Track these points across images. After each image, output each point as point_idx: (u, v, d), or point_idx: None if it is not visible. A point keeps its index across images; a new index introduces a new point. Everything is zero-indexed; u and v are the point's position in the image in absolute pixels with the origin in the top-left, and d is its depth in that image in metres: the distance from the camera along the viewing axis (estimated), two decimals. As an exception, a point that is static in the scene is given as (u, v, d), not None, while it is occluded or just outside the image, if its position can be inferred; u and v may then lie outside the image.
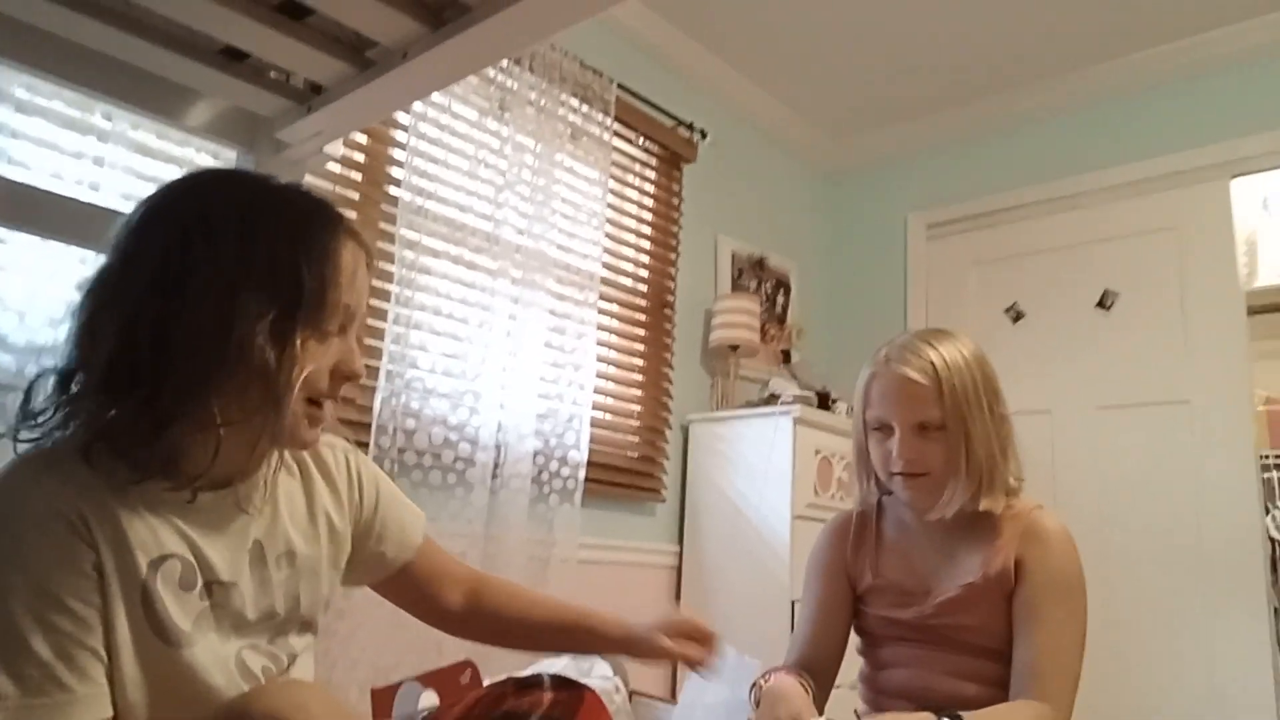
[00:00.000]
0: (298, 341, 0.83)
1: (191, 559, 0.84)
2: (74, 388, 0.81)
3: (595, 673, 1.64)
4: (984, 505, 1.33)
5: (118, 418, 0.80)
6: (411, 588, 1.13)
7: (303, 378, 0.83)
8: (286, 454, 0.97)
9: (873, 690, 1.46)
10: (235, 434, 0.82)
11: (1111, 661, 2.80)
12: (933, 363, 1.33)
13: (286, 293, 0.82)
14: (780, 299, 3.62)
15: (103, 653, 0.77)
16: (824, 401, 3.07)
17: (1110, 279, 3.19)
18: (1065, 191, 3.34)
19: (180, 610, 0.82)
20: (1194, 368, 2.95)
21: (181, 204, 0.85)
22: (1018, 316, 3.38)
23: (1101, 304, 3.20)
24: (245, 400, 0.81)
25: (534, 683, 0.96)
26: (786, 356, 3.51)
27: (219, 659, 0.85)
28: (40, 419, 0.81)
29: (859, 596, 1.47)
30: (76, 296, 0.83)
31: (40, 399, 0.81)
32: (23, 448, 0.81)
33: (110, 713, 0.77)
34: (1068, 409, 3.17)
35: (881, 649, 1.45)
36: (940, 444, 1.33)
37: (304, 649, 0.97)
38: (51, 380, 0.81)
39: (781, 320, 3.61)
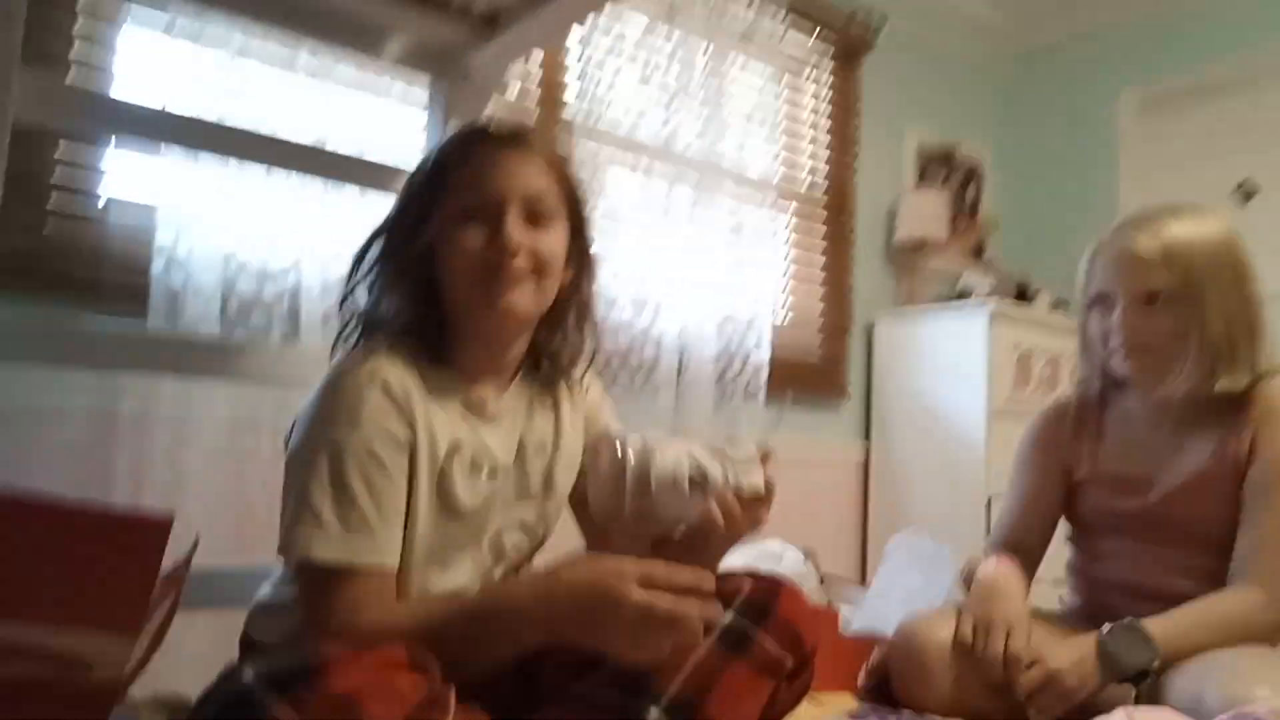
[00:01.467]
0: (433, 231, 0.98)
1: (477, 448, 1.00)
2: (369, 306, 1.02)
3: (788, 558, 1.70)
4: (1221, 385, 1.24)
5: (408, 322, 0.99)
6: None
7: (459, 250, 0.97)
8: (538, 383, 1.10)
9: (1084, 581, 1.42)
10: (461, 311, 1.00)
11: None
12: (1165, 234, 1.25)
13: (415, 215, 0.99)
14: (972, 190, 3.43)
15: (403, 512, 0.93)
16: (1023, 294, 2.92)
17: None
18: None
19: (469, 491, 0.99)
20: None
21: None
22: (1249, 194, 3.04)
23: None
24: (452, 284, 0.99)
25: (729, 575, 1.01)
26: (979, 251, 3.34)
27: (481, 534, 1.02)
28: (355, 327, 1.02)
29: (1075, 485, 1.40)
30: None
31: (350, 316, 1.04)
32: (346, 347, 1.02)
33: (397, 565, 0.93)
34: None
35: (1097, 540, 1.39)
36: (1168, 316, 1.24)
37: (545, 533, 1.11)
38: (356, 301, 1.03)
39: (973, 212, 3.42)
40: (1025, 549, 1.39)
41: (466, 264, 0.97)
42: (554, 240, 1.02)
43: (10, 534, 0.74)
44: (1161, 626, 1.16)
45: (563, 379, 1.12)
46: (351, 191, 1.81)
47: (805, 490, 2.79)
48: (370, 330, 1.02)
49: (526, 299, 0.99)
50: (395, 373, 0.94)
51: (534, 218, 1.00)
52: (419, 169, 1.04)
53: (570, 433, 1.12)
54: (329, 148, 1.69)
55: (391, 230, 1.02)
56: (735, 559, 1.09)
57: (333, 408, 0.92)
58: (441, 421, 0.97)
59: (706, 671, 0.89)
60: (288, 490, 0.92)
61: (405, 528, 0.94)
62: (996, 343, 2.69)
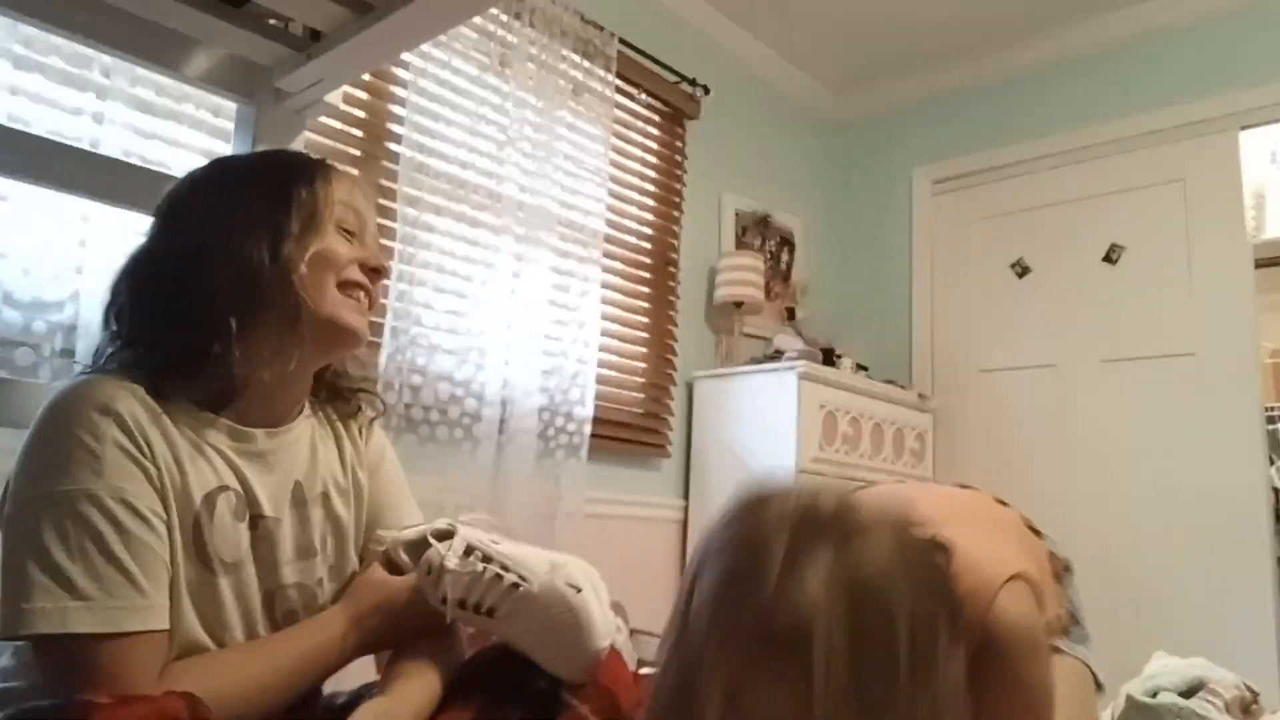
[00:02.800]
0: (292, 242, 0.89)
1: (242, 492, 0.89)
2: (124, 335, 0.89)
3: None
4: None
5: (169, 355, 0.87)
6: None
7: (327, 265, 0.91)
8: (321, 415, 1.02)
9: None
10: (274, 344, 0.89)
11: (1113, 616, 2.82)
12: None
13: (273, 212, 0.90)
14: (785, 256, 3.61)
15: (168, 565, 0.81)
16: (829, 357, 3.07)
17: (1116, 233, 3.18)
18: (1071, 145, 3.31)
19: (226, 541, 0.86)
20: (1200, 321, 2.94)
21: (191, 176, 0.97)
22: (1024, 271, 3.37)
23: (1108, 258, 3.18)
24: (274, 310, 0.88)
25: None
26: (791, 314, 3.50)
27: (251, 594, 0.89)
28: (111, 350, 0.89)
29: None
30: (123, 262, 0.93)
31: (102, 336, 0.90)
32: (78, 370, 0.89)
33: (168, 626, 0.80)
34: (1073, 363, 3.17)
35: None
36: None
37: (335, 595, 0.99)
38: (105, 328, 0.91)
39: (786, 277, 3.60)
40: None
41: (330, 284, 0.92)
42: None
43: None
44: None
45: (351, 418, 1.05)
46: (142, 219, 1.67)
47: (624, 547, 2.77)
48: (110, 359, 0.88)
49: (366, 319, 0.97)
50: (128, 403, 0.81)
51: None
52: (241, 184, 0.94)
53: (353, 480, 1.02)
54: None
55: (209, 250, 0.88)
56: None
57: (64, 451, 0.78)
58: (193, 461, 0.85)
59: None
60: (13, 558, 0.76)
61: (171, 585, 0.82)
62: (805, 402, 2.81)
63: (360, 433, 1.06)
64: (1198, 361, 2.93)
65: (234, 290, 0.86)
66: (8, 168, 1.24)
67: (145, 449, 0.81)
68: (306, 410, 0.99)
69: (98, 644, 0.75)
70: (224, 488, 0.87)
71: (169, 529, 0.82)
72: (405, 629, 0.95)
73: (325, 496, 0.97)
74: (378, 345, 2.14)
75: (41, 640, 0.76)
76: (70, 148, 1.49)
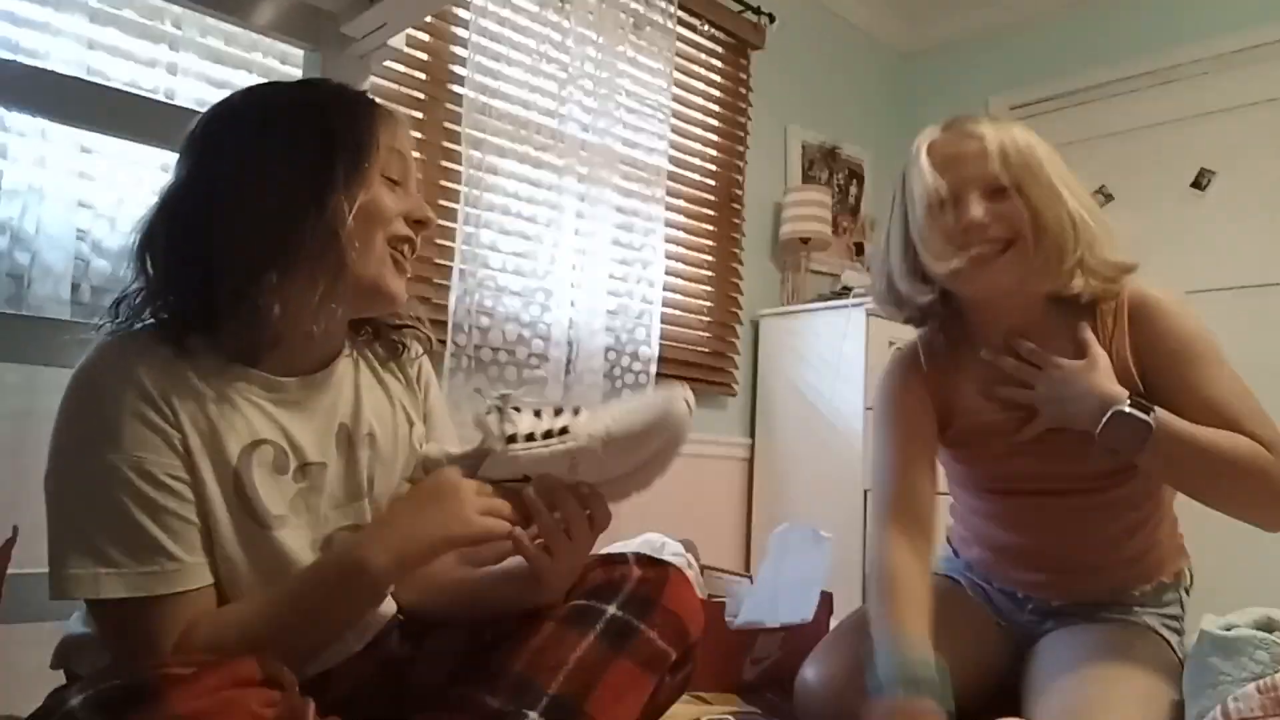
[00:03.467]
0: (339, 193, 0.84)
1: (284, 443, 0.87)
2: (154, 281, 0.84)
3: (668, 550, 1.69)
4: (1075, 285, 1.13)
5: (203, 305, 0.82)
6: None
7: (375, 219, 0.87)
8: (366, 354, 1.00)
9: (974, 536, 1.34)
10: (314, 299, 0.84)
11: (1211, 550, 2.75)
12: (984, 126, 1.18)
13: (318, 154, 0.84)
14: (854, 189, 3.53)
15: (198, 523, 0.81)
16: (898, 293, 3.01)
17: (1206, 158, 3.02)
18: (1156, 65, 3.13)
19: (274, 493, 0.85)
20: (1295, 249, 2.80)
21: (226, 109, 0.90)
22: (1106, 199, 3.23)
23: (1196, 184, 3.03)
24: (317, 263, 0.83)
25: (619, 559, 0.98)
26: (860, 249, 3.44)
27: (310, 541, 0.88)
28: (130, 307, 0.85)
29: (950, 433, 1.27)
30: (155, 200, 0.87)
31: (130, 291, 0.86)
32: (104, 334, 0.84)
33: (211, 580, 0.82)
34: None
35: (984, 491, 1.30)
36: (1023, 208, 1.12)
37: None
38: (137, 274, 0.85)
39: (855, 212, 3.52)
40: (918, 519, 1.20)
41: (378, 240, 0.87)
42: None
43: None
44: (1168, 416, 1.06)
45: (396, 355, 1.03)
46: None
47: (691, 485, 2.80)
48: (138, 316, 0.84)
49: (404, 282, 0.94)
50: (150, 368, 0.80)
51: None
52: (283, 119, 0.87)
53: (404, 417, 1.01)
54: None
55: (248, 193, 0.83)
56: (618, 548, 1.07)
57: (86, 422, 0.79)
58: (228, 417, 0.83)
59: (588, 668, 0.86)
60: (52, 522, 0.78)
61: (211, 542, 0.82)
62: (873, 339, 2.77)
63: (409, 370, 1.05)
64: (1291, 292, 2.79)
65: (273, 240, 0.82)
66: (91, 121, 1.28)
67: (168, 414, 0.80)
68: (347, 349, 0.97)
69: (135, 608, 0.76)
70: (260, 441, 0.85)
71: (201, 489, 0.81)
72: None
73: (372, 437, 0.95)
74: (446, 288, 2.17)
75: (89, 602, 0.79)
76: (147, 99, 1.53)
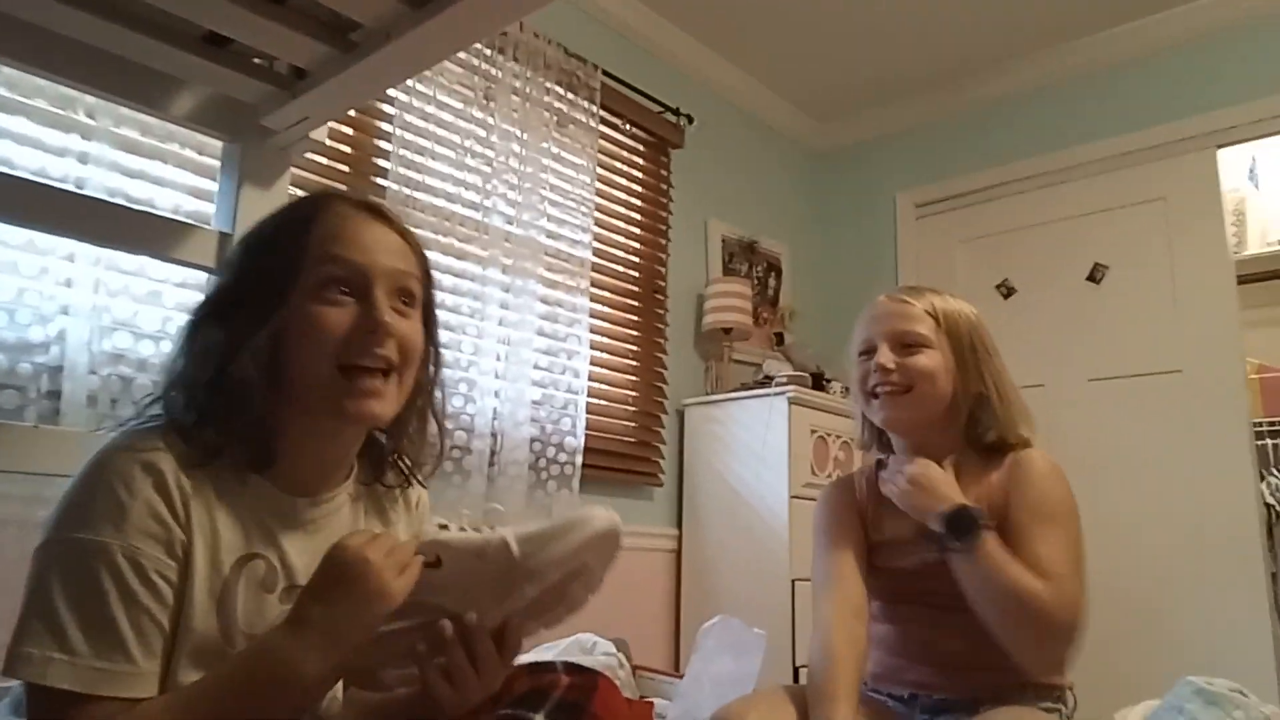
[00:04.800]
0: (278, 309, 0.84)
1: (276, 561, 0.86)
2: (176, 391, 0.86)
3: (599, 650, 1.64)
4: (988, 437, 1.34)
5: (221, 414, 0.84)
6: None
7: (306, 339, 0.85)
8: (368, 485, 0.99)
9: (879, 651, 1.42)
10: (286, 416, 0.87)
11: (1109, 632, 2.81)
12: (926, 295, 1.40)
13: (260, 283, 0.86)
14: (772, 282, 3.62)
15: (166, 633, 0.79)
16: (818, 381, 3.07)
17: (1100, 252, 3.21)
18: (1052, 166, 3.35)
19: (255, 612, 0.84)
20: (1185, 337, 2.97)
21: (270, 223, 0.93)
22: (1009, 292, 3.39)
23: (1092, 277, 3.21)
24: (274, 383, 0.86)
25: (547, 667, 0.96)
26: (780, 339, 3.51)
27: None
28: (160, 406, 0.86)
29: (869, 551, 1.42)
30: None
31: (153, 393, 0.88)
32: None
33: (155, 694, 0.78)
34: (1061, 383, 3.18)
35: (888, 606, 1.41)
36: (926, 361, 1.34)
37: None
38: (165, 377, 0.88)
39: (774, 303, 3.61)
40: (856, 609, 1.34)
41: (326, 348, 0.84)
42: (417, 330, 0.92)
43: None
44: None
45: (401, 487, 1.02)
46: (128, 258, 1.67)
47: (620, 578, 2.72)
48: (162, 413, 0.86)
49: (388, 400, 0.88)
50: (172, 464, 0.80)
51: (401, 301, 0.90)
52: (261, 231, 0.91)
53: None
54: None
55: (229, 300, 0.87)
56: (547, 654, 1.04)
57: (93, 500, 0.77)
58: (230, 526, 0.83)
59: None
60: (29, 590, 0.76)
61: (174, 648, 0.79)
62: (796, 427, 2.81)
63: (410, 501, 1.05)
64: (1185, 378, 2.94)
65: (246, 357, 0.83)
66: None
67: (177, 512, 0.79)
68: (353, 476, 0.97)
69: (73, 702, 0.73)
70: (254, 555, 0.85)
71: (188, 594, 0.80)
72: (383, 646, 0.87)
73: None
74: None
75: (28, 685, 0.75)
76: (55, 188, 1.48)
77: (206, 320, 0.87)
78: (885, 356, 1.35)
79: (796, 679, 2.47)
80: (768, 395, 2.89)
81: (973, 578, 1.22)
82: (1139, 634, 2.82)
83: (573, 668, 0.96)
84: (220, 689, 0.77)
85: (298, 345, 0.85)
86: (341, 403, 0.85)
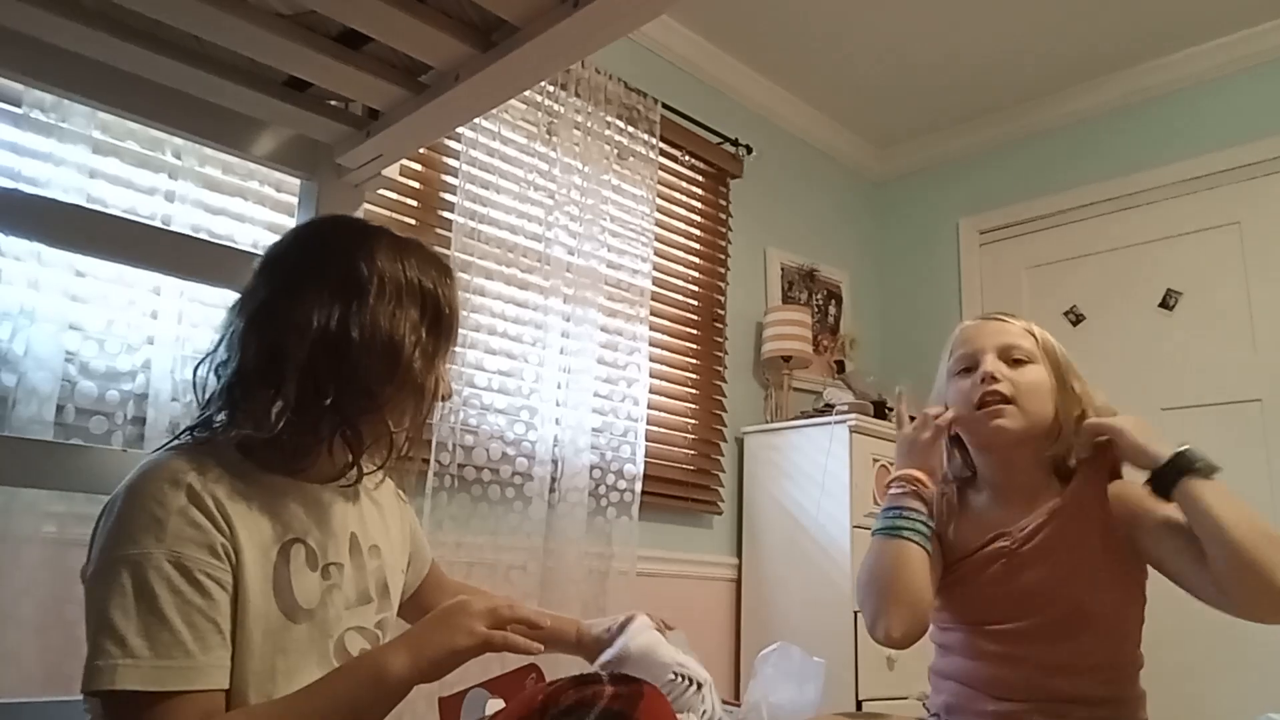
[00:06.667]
0: (438, 363, 0.99)
1: (314, 543, 0.95)
2: (239, 392, 0.92)
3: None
4: (1073, 462, 1.32)
5: (285, 418, 0.90)
6: (419, 606, 1.21)
7: (436, 385, 1.00)
8: (367, 480, 1.07)
9: (952, 678, 1.38)
10: (378, 439, 0.96)
11: (1190, 664, 2.70)
12: (1020, 319, 1.39)
13: (432, 317, 0.98)
14: (832, 309, 3.61)
15: (227, 628, 0.85)
16: (880, 410, 3.05)
17: (1172, 278, 3.13)
18: (1121, 191, 3.28)
19: (305, 589, 0.93)
20: (1264, 365, 2.87)
21: (334, 236, 1.00)
22: (1077, 319, 3.32)
23: (1164, 304, 3.13)
24: (401, 411, 0.97)
25: (592, 679, 0.97)
26: (840, 367, 3.49)
27: (324, 638, 0.95)
28: (211, 418, 0.93)
29: (946, 572, 1.37)
30: (230, 317, 0.96)
31: (210, 403, 0.94)
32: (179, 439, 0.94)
33: (226, 685, 0.85)
34: (1134, 411, 3.05)
35: (967, 630, 1.36)
36: (1034, 375, 1.32)
37: (394, 632, 1.05)
38: (218, 386, 0.93)
39: (834, 331, 3.59)
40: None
41: (435, 400, 1.00)
42: None
43: None
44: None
45: (392, 478, 1.12)
46: (210, 291, 1.75)
47: (677, 606, 2.75)
48: (201, 431, 0.94)
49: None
50: (202, 475, 0.87)
51: None
52: (364, 257, 0.96)
53: (398, 537, 1.12)
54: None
55: (370, 350, 0.93)
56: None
57: (133, 519, 0.84)
58: (267, 518, 0.92)
59: None
60: (89, 617, 0.83)
61: (237, 641, 0.86)
62: (857, 455, 2.78)
63: (391, 487, 1.14)
64: (1264, 408, 2.84)
65: (380, 389, 0.95)
66: (87, 246, 1.32)
67: (213, 516, 0.86)
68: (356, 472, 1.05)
69: (144, 701, 0.79)
70: (296, 539, 0.93)
71: (243, 584, 0.87)
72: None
73: (376, 549, 1.04)
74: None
75: (101, 696, 0.80)
76: (144, 225, 1.57)
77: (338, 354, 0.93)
78: (993, 365, 1.32)
79: (860, 710, 2.43)
80: (828, 424, 2.88)
81: (1217, 502, 1.15)
82: (1219, 667, 2.71)
83: (618, 678, 0.97)
84: (317, 688, 0.86)
85: (420, 392, 0.98)
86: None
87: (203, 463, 0.89)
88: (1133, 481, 1.29)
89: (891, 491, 1.37)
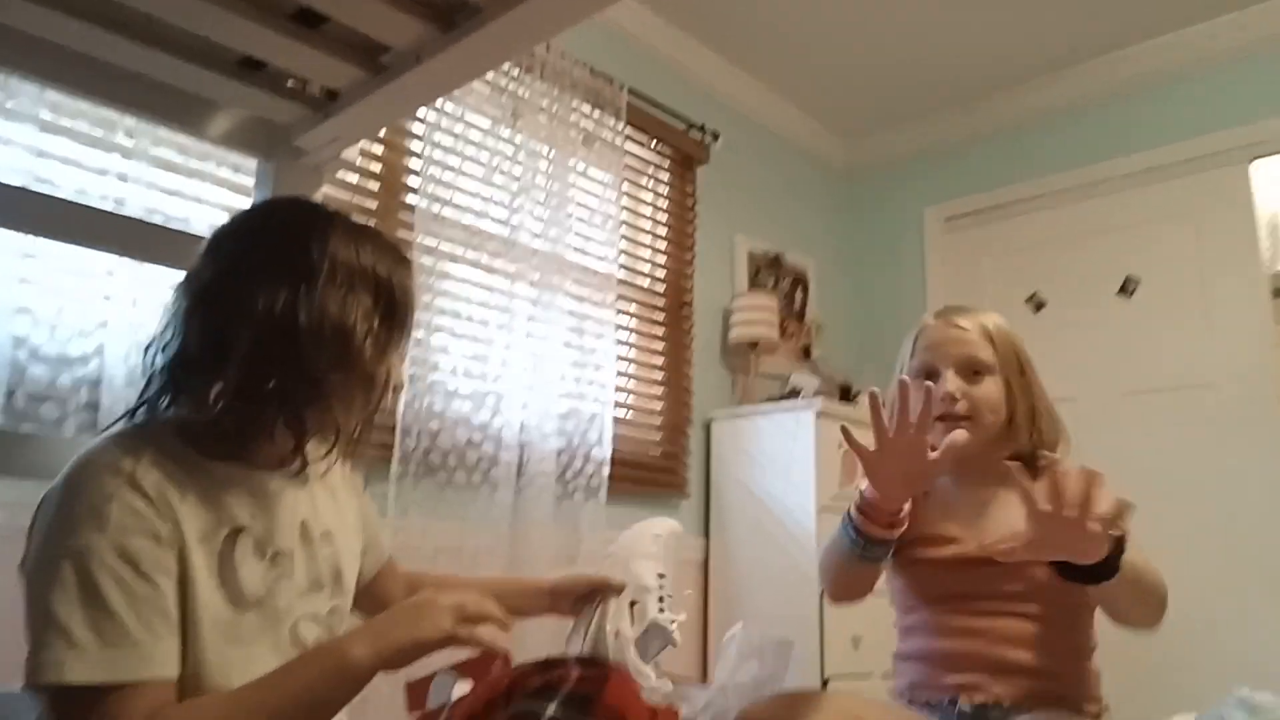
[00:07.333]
0: (390, 353, 0.96)
1: (261, 531, 0.92)
2: (181, 374, 0.90)
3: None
4: (1028, 449, 1.38)
5: (227, 403, 0.87)
6: (374, 596, 1.19)
7: (387, 376, 0.97)
8: (317, 465, 1.03)
9: (912, 660, 1.43)
10: (324, 427, 0.94)
11: (1149, 645, 2.76)
12: (979, 319, 1.42)
13: (386, 306, 0.95)
14: (799, 296, 3.63)
15: (174, 616, 0.83)
16: (846, 394, 3.07)
17: (1131, 265, 3.18)
18: (1083, 180, 3.33)
19: (254, 576, 0.90)
20: (1219, 352, 2.93)
21: (287, 218, 0.96)
22: (1039, 306, 3.37)
23: (1123, 290, 3.18)
24: (350, 400, 0.94)
25: (559, 662, 0.97)
26: (807, 352, 3.51)
27: (276, 626, 0.93)
28: (153, 401, 0.91)
29: (898, 552, 1.42)
30: (176, 297, 0.92)
31: (151, 385, 0.91)
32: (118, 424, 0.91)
33: (176, 673, 0.82)
34: (1093, 395, 3.15)
35: (923, 606, 1.42)
36: (991, 388, 1.37)
37: (348, 621, 1.04)
38: (160, 367, 0.91)
39: (800, 317, 3.61)
40: None
41: (386, 390, 0.98)
42: None
43: None
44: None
45: (343, 461, 1.06)
46: (166, 274, 1.71)
47: (645, 590, 2.75)
48: (140, 413, 0.91)
49: None
50: (142, 461, 0.84)
51: None
52: (317, 238, 0.92)
53: (353, 523, 1.09)
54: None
55: (318, 336, 0.89)
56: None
57: (73, 509, 0.81)
58: (210, 505, 0.88)
59: None
60: (31, 611, 0.79)
61: (187, 630, 0.84)
62: (823, 440, 2.80)
63: (347, 475, 1.11)
64: (1216, 393, 2.90)
65: (328, 377, 0.92)
66: (35, 227, 1.28)
67: (156, 503, 0.83)
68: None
69: (94, 696, 0.77)
70: (243, 527, 0.90)
71: (189, 573, 0.84)
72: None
73: (327, 535, 1.01)
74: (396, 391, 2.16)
75: (47, 692, 0.78)
76: (94, 208, 1.53)
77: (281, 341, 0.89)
78: (954, 384, 1.37)
79: (824, 687, 2.46)
80: (795, 408, 2.89)
81: (1124, 588, 1.20)
82: (1176, 647, 2.77)
83: (584, 661, 0.98)
84: (275, 678, 0.84)
85: (371, 380, 0.96)
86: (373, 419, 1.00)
87: (141, 450, 0.86)
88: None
89: (864, 501, 1.33)
